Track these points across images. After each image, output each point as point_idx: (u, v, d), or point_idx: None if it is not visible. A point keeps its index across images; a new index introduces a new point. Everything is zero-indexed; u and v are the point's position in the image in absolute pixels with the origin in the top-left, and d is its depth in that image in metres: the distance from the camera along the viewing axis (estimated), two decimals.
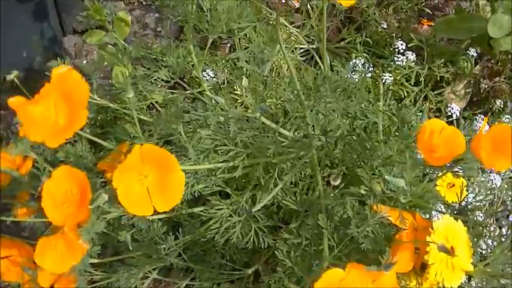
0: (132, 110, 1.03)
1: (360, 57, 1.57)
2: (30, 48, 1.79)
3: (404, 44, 1.67)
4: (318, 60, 1.71)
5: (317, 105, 1.14)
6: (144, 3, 1.96)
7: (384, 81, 1.55)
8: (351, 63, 1.44)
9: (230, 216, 1.20)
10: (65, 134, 0.94)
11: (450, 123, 1.21)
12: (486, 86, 1.75)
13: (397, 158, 1.17)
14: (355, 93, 1.23)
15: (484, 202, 1.40)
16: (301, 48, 1.78)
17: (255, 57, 1.18)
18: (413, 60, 1.65)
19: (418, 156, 1.21)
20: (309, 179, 1.36)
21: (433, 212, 1.28)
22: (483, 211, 1.37)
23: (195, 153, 1.15)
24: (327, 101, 1.13)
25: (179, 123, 1.13)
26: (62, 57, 1.44)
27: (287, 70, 1.66)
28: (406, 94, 1.68)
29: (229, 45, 1.80)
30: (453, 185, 1.30)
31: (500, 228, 1.23)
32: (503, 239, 1.10)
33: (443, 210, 1.30)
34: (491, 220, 1.49)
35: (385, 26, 1.81)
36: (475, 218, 1.23)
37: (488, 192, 1.44)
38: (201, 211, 1.29)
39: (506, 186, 1.50)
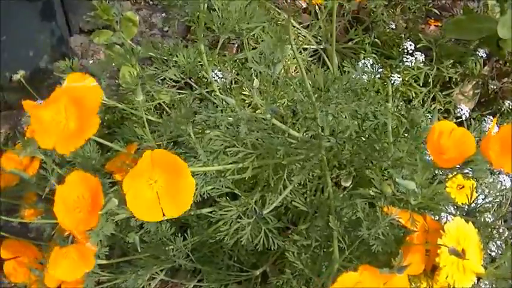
0: (141, 112, 1.02)
1: (368, 58, 1.56)
2: (37, 48, 1.79)
3: (413, 45, 1.66)
4: (326, 60, 1.71)
5: (327, 106, 1.13)
6: (150, 2, 1.96)
7: (392, 82, 1.54)
8: (360, 63, 1.43)
9: (239, 217, 1.19)
10: (75, 140, 0.93)
11: (459, 124, 1.20)
12: (495, 87, 1.75)
13: (407, 159, 1.17)
14: (364, 94, 1.22)
15: (492, 204, 1.39)
16: (309, 48, 1.77)
17: (265, 57, 1.18)
18: (422, 61, 1.64)
19: (427, 158, 1.21)
20: (317, 180, 1.36)
21: (442, 214, 1.27)
22: (491, 212, 1.37)
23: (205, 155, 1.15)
24: (337, 101, 1.12)
25: (189, 125, 1.13)
26: (69, 57, 1.43)
27: (295, 71, 1.66)
28: (414, 95, 1.67)
29: (236, 45, 1.80)
30: (463, 187, 1.29)
31: (508, 229, 1.22)
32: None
33: (453, 211, 1.29)
34: (500, 222, 1.48)
35: (393, 27, 1.80)
36: (483, 220, 1.22)
37: (498, 193, 1.43)
38: (209, 212, 1.29)
39: None
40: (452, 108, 1.68)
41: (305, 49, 1.75)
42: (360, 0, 1.27)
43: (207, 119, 1.20)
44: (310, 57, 1.77)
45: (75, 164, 1.27)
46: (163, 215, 0.97)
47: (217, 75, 1.44)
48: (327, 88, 1.13)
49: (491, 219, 1.34)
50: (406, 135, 1.30)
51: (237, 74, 1.59)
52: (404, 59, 1.63)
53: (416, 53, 1.65)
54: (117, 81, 1.70)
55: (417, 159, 1.09)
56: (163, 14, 1.92)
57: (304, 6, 1.90)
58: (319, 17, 1.81)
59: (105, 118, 1.64)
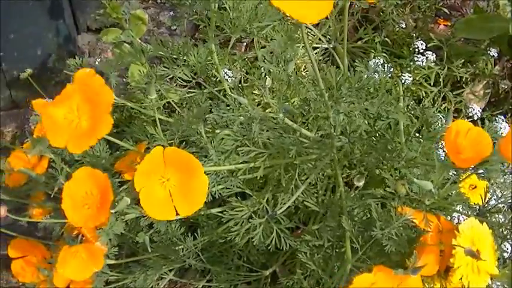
0: (154, 111, 1.01)
1: (378, 57, 1.55)
2: (44, 46, 1.79)
3: (425, 44, 1.65)
4: (337, 59, 1.70)
5: (339, 105, 1.12)
6: (158, 1, 1.95)
7: (403, 81, 1.53)
8: (371, 63, 1.42)
9: (250, 217, 1.18)
10: (88, 139, 0.92)
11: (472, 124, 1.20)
12: (505, 87, 1.74)
13: (420, 159, 1.16)
14: (376, 93, 1.21)
15: (503, 204, 1.38)
16: (319, 47, 1.76)
17: (277, 56, 1.17)
18: (433, 61, 1.63)
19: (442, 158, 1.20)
20: (327, 180, 1.35)
21: (454, 214, 1.26)
22: (502, 213, 1.36)
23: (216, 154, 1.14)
24: (349, 101, 1.11)
25: (200, 124, 1.12)
26: (77, 56, 1.43)
27: (304, 69, 1.65)
28: (424, 94, 1.66)
29: (245, 44, 1.79)
30: (475, 187, 1.28)
31: None
32: None
33: (465, 212, 1.28)
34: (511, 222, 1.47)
35: (403, 26, 1.79)
36: (495, 220, 1.21)
37: (510, 194, 1.42)
38: (219, 212, 1.28)
39: None
40: (464, 107, 1.67)
41: (315, 48, 1.74)
42: (372, 0, 1.26)
43: (219, 119, 1.20)
44: (321, 56, 1.77)
45: (84, 163, 1.26)
46: (176, 213, 0.96)
47: (227, 74, 1.43)
48: (338, 87, 1.12)
49: (502, 220, 1.33)
50: (417, 135, 1.29)
51: (246, 73, 1.58)
52: (416, 58, 1.62)
53: (427, 52, 1.64)
54: (125, 79, 1.69)
55: (433, 159, 1.08)
56: (171, 13, 1.91)
57: None
58: (328, 16, 1.79)
59: (114, 117, 1.62)
